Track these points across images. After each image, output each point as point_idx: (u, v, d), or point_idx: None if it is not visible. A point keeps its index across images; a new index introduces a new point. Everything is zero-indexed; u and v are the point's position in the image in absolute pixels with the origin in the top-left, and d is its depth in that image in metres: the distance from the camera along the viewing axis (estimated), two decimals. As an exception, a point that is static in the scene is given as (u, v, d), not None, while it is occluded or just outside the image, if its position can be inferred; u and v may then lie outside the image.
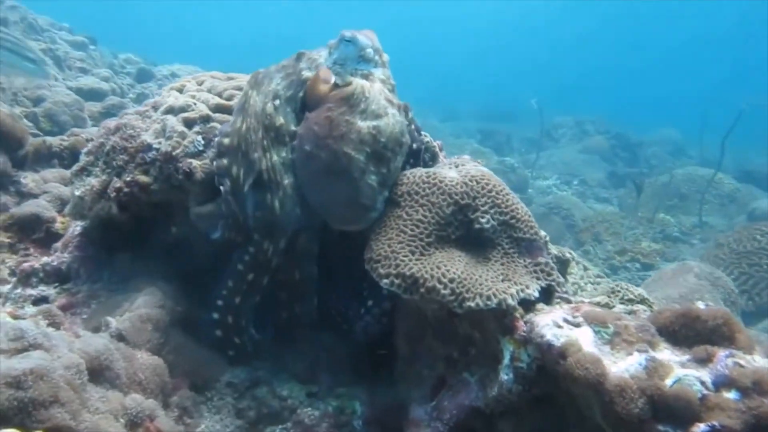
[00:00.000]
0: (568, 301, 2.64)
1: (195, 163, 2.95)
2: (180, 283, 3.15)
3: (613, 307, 2.64)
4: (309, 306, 3.08)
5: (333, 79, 2.81)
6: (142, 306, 2.83)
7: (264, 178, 2.82)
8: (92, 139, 3.39)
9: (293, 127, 2.86)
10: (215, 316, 2.97)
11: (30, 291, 3.23)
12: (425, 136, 3.24)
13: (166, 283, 3.05)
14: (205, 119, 3.10)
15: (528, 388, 2.44)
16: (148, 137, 3.05)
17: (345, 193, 2.71)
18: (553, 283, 2.69)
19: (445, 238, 2.69)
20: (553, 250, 3.20)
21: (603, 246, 10.82)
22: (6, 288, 3.31)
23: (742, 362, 2.03)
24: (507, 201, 2.76)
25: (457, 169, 2.86)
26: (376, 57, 2.92)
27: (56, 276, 3.28)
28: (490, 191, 2.74)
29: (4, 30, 5.21)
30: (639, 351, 2.26)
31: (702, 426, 1.91)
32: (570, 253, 3.33)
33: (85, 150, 3.29)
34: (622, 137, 18.74)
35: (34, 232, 3.66)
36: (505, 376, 2.48)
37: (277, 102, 2.89)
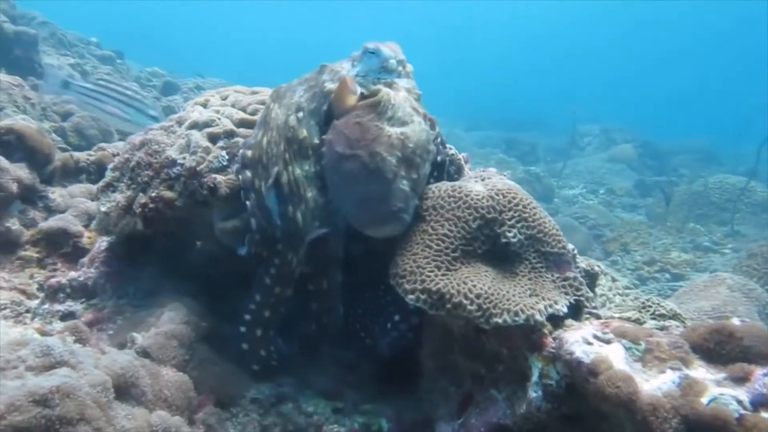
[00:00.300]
0: (598, 317, 2.59)
1: (219, 178, 2.95)
2: (205, 298, 3.15)
3: (644, 322, 2.58)
4: (336, 316, 3.05)
5: (359, 90, 2.79)
6: (168, 322, 2.83)
7: (285, 192, 2.81)
8: (118, 154, 3.42)
9: (316, 140, 2.84)
10: (242, 329, 2.96)
11: (57, 306, 3.26)
12: (450, 148, 3.21)
13: (191, 298, 3.05)
14: (229, 134, 3.10)
15: (557, 406, 2.39)
16: (172, 152, 3.06)
17: (379, 193, 2.62)
18: (581, 299, 2.63)
19: (471, 252, 2.65)
20: (582, 263, 3.14)
21: (631, 256, 10.68)
22: (34, 303, 3.34)
23: (780, 381, 1.97)
24: (534, 215, 2.71)
25: (483, 183, 2.82)
26: (399, 68, 2.90)
27: (83, 291, 3.31)
28: (516, 205, 2.70)
29: (130, 88, 5.32)
30: (672, 368, 2.20)
31: (740, 448, 1.85)
32: (598, 266, 3.26)
33: (110, 166, 3.31)
34: (649, 145, 18.53)
35: (61, 246, 3.69)
36: (533, 393, 2.43)
37: (300, 114, 2.88)
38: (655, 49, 56.92)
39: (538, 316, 2.45)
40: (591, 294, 2.70)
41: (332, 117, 2.79)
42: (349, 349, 3.14)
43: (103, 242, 3.39)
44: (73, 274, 3.39)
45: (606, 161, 17.28)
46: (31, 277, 3.58)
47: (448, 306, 2.46)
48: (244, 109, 3.28)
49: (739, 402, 1.96)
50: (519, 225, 2.68)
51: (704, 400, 2.02)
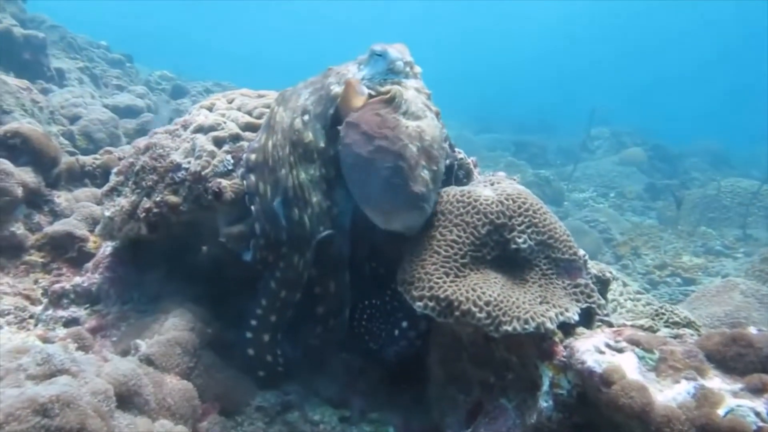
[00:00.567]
0: (610, 325, 2.53)
1: (224, 182, 2.91)
2: (210, 303, 3.11)
3: (658, 330, 2.51)
4: (342, 319, 3.01)
5: (366, 91, 2.74)
6: (171, 329, 2.79)
7: (289, 195, 2.77)
8: (124, 158, 3.39)
9: (322, 144, 2.80)
10: (248, 335, 2.92)
11: (61, 312, 3.23)
12: (459, 152, 3.16)
13: (195, 304, 3.01)
14: (235, 138, 3.07)
15: (568, 416, 2.34)
16: (177, 157, 3.03)
17: (401, 178, 2.52)
18: (593, 306, 2.57)
19: (481, 259, 2.59)
20: (593, 269, 3.08)
21: (642, 260, 10.60)
22: (38, 309, 3.31)
23: (800, 393, 1.91)
24: (544, 220, 2.66)
25: (492, 188, 2.77)
26: (407, 69, 2.85)
27: (87, 297, 3.27)
28: (526, 210, 2.65)
29: None
30: (687, 378, 2.14)
31: (759, 462, 1.79)
32: (610, 272, 3.19)
33: (115, 170, 3.28)
34: (660, 148, 18.42)
35: (66, 251, 3.66)
36: (544, 403, 2.37)
37: (306, 117, 2.84)
38: (665, 52, 56.72)
39: (548, 324, 2.39)
40: (603, 301, 2.64)
41: (339, 121, 2.74)
42: (355, 354, 3.09)
43: (107, 247, 3.36)
44: (77, 279, 3.36)
45: (616, 164, 17.19)
46: (36, 282, 3.56)
47: (457, 314, 2.41)
48: (249, 113, 3.24)
49: (757, 414, 1.91)
50: (529, 231, 2.62)
51: (721, 411, 1.96)
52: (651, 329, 2.49)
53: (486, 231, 2.61)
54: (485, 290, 2.45)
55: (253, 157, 2.88)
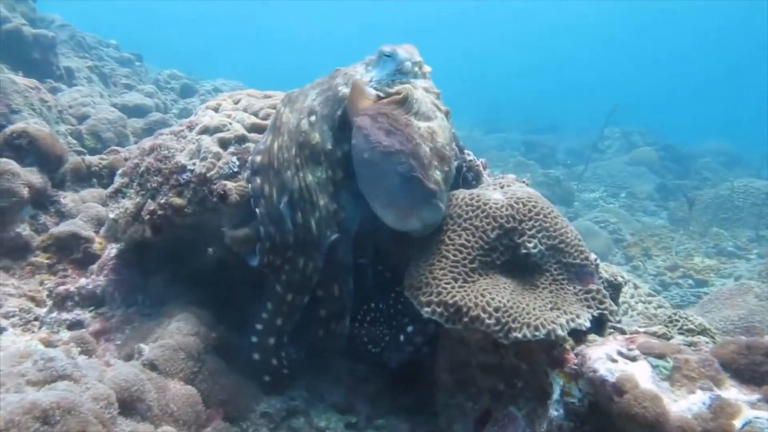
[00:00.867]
0: (622, 332, 2.47)
1: (230, 185, 2.87)
2: (215, 306, 3.07)
3: (671, 338, 2.45)
4: (345, 323, 2.97)
5: (374, 93, 2.70)
6: (176, 333, 2.74)
7: (295, 198, 2.72)
8: (131, 158, 3.35)
9: (329, 146, 2.75)
10: (254, 339, 2.88)
11: (65, 315, 3.20)
12: (468, 154, 3.11)
13: (200, 308, 2.97)
14: (241, 139, 3.02)
15: (579, 425, 2.29)
16: (182, 158, 2.99)
17: (416, 174, 2.48)
18: (605, 312, 2.52)
19: (490, 263, 2.54)
20: (605, 273, 3.02)
21: (653, 261, 10.50)
22: (43, 311, 3.28)
23: (821, 405, 1.86)
24: (555, 224, 2.60)
25: (502, 191, 2.72)
26: (416, 69, 2.80)
27: (91, 300, 3.24)
28: (537, 214, 2.59)
29: None
30: (702, 389, 2.09)
31: (778, 478, 1.74)
32: (622, 277, 3.13)
33: (119, 171, 3.24)
34: (671, 148, 18.27)
35: (72, 252, 3.63)
36: (554, 411, 2.33)
37: (313, 118, 2.80)
38: (677, 50, 56.39)
39: (559, 331, 2.34)
40: (615, 307, 2.58)
41: (346, 122, 2.70)
42: (358, 359, 3.05)
43: (112, 249, 3.33)
44: (82, 281, 3.33)
45: (627, 164, 17.05)
46: (41, 283, 3.53)
47: (465, 320, 2.36)
48: (256, 114, 3.20)
49: (776, 426, 1.85)
50: (539, 235, 2.57)
51: (738, 423, 1.92)
52: (664, 336, 2.43)
53: (495, 235, 2.56)
54: (494, 296, 2.40)
55: (258, 159, 2.84)
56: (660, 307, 6.09)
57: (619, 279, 3.10)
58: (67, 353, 2.48)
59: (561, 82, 51.86)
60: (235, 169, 2.92)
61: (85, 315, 3.18)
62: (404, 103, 2.59)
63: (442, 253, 2.54)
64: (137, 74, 11.81)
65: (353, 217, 2.81)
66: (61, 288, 3.29)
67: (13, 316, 3.20)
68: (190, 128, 3.17)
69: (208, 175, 2.89)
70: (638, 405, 2.04)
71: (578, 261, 2.58)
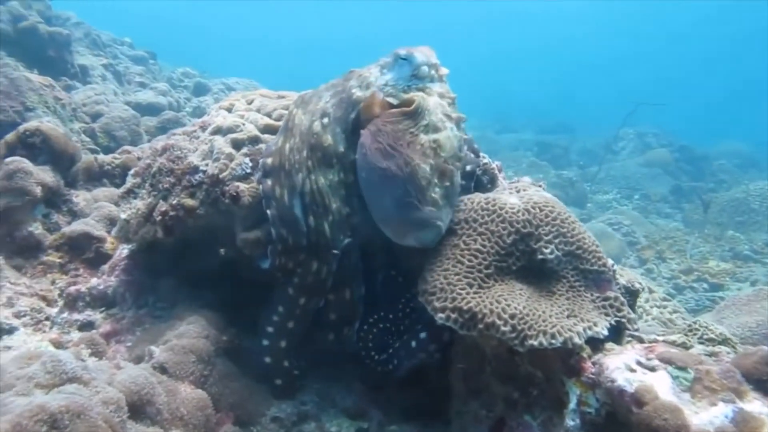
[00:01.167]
0: (641, 340, 2.42)
1: (242, 186, 2.84)
2: (226, 308, 3.04)
3: (691, 347, 2.40)
4: (354, 328, 2.93)
5: (390, 101, 2.65)
6: (186, 336, 2.72)
7: (306, 201, 2.69)
8: (143, 157, 3.34)
9: (342, 149, 2.71)
10: (265, 342, 2.85)
11: (76, 316, 3.18)
12: (483, 157, 3.06)
13: (210, 310, 2.95)
14: (254, 140, 2.99)
15: (596, 435, 2.24)
16: (195, 159, 2.96)
17: (411, 198, 2.47)
18: (623, 320, 2.47)
19: (506, 269, 2.49)
20: (621, 278, 2.96)
21: (667, 264, 10.40)
22: (54, 311, 3.27)
23: None
24: (572, 230, 2.55)
25: (518, 195, 2.67)
26: (432, 72, 2.73)
27: (102, 300, 3.23)
28: (554, 219, 2.54)
29: None
30: (724, 401, 2.04)
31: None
32: (639, 283, 3.07)
33: (132, 171, 3.23)
34: (686, 150, 18.10)
35: (84, 252, 3.62)
36: (571, 421, 2.28)
37: (326, 120, 2.76)
38: (691, 51, 55.96)
39: (576, 339, 2.29)
40: (633, 315, 2.53)
41: (360, 126, 2.65)
42: (366, 365, 3.00)
43: (124, 249, 3.31)
44: (93, 281, 3.31)
45: (641, 166, 16.91)
46: (53, 282, 3.51)
47: (481, 326, 2.32)
48: (269, 115, 3.17)
49: (801, 442, 1.80)
50: (556, 240, 2.52)
51: (761, 438, 1.86)
52: (684, 346, 2.38)
53: (511, 240, 2.51)
54: (510, 302, 2.35)
55: (269, 161, 2.81)
56: (675, 311, 6.01)
57: (637, 285, 3.05)
58: (76, 355, 2.47)
59: (574, 82, 51.64)
60: (248, 171, 2.89)
61: (95, 316, 3.17)
62: (414, 115, 2.54)
63: (457, 258, 2.50)
64: (151, 72, 11.83)
65: (365, 222, 2.77)
66: (73, 288, 3.28)
67: (24, 315, 3.19)
68: (203, 128, 3.14)
69: (220, 176, 2.86)
70: (658, 417, 2.00)
71: (596, 267, 2.53)
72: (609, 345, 2.38)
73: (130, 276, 3.21)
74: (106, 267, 3.37)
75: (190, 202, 2.89)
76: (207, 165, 2.92)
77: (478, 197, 2.67)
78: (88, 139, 6.31)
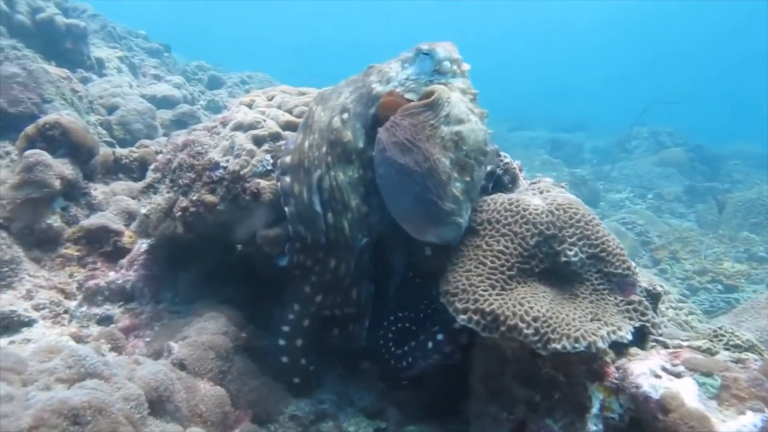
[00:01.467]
0: (665, 345, 2.39)
1: (263, 183, 2.83)
2: (245, 305, 3.04)
3: (717, 353, 2.36)
4: (362, 326, 2.94)
5: (409, 97, 2.63)
6: (205, 332, 2.71)
7: (325, 198, 2.67)
8: (161, 152, 3.33)
9: (361, 144, 2.68)
10: (282, 342, 2.84)
11: (95, 310, 3.19)
12: (505, 156, 3.02)
13: (229, 306, 2.94)
14: (275, 137, 2.97)
15: (619, 441, 2.22)
16: (215, 155, 2.95)
17: (430, 194, 2.43)
18: (647, 324, 2.44)
19: (528, 271, 2.47)
20: (643, 282, 2.93)
21: (681, 265, 10.32)
22: (73, 304, 3.27)
23: None
24: (597, 232, 2.52)
25: (541, 196, 2.64)
26: (454, 67, 2.69)
27: (121, 295, 3.23)
28: (578, 221, 2.51)
29: None
30: (752, 410, 2.01)
31: None
32: (661, 286, 3.03)
33: (152, 167, 3.22)
34: (701, 149, 17.95)
35: (102, 245, 3.62)
36: (593, 426, 2.26)
37: (345, 116, 2.73)
38: (707, 52, 55.53)
39: (600, 344, 2.26)
40: (658, 319, 2.50)
41: (380, 122, 2.62)
42: (382, 365, 2.99)
43: (143, 244, 3.31)
44: (111, 275, 3.31)
45: (655, 165, 16.78)
46: (71, 275, 3.52)
47: (503, 329, 2.29)
48: (290, 111, 3.14)
49: (832, 453, 1.76)
50: (580, 243, 2.49)
51: (790, 448, 1.83)
52: (709, 352, 2.35)
53: (535, 242, 2.48)
54: (533, 305, 2.32)
55: (288, 159, 2.78)
56: (691, 313, 5.97)
57: (658, 288, 3.00)
58: (97, 350, 2.47)
59: (587, 80, 51.37)
60: (269, 167, 2.87)
61: (114, 310, 3.17)
62: (434, 106, 2.49)
63: (479, 259, 2.47)
64: (165, 65, 11.85)
65: (382, 221, 2.74)
66: (91, 282, 3.28)
67: (43, 308, 3.20)
68: (224, 124, 3.13)
69: (241, 172, 2.85)
70: (685, 425, 1.97)
71: (620, 270, 2.50)
72: (633, 350, 2.34)
73: (149, 271, 3.20)
74: (124, 261, 3.36)
75: (210, 198, 2.88)
76: (228, 161, 2.90)
77: (501, 198, 2.64)
78: (104, 132, 6.32)
